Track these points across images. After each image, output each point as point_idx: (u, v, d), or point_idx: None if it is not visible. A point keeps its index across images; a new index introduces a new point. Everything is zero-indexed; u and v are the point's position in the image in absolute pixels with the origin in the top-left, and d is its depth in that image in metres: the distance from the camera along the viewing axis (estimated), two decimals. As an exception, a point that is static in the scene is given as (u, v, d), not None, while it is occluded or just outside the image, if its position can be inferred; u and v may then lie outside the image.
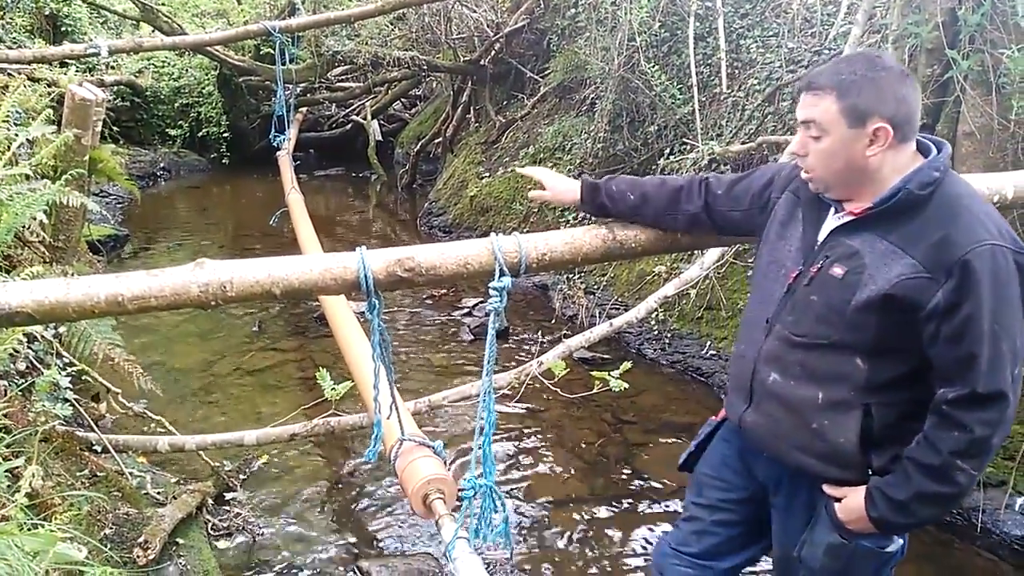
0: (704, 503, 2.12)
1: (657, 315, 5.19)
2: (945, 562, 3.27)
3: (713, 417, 2.18)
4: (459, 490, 2.24)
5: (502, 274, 2.15)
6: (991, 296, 1.56)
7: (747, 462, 2.03)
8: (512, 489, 3.76)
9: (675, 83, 6.01)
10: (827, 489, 1.81)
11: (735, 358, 2.00)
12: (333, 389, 3.44)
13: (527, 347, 5.46)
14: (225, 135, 12.00)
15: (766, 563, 3.19)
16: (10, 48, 8.37)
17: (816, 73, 1.73)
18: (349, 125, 12.96)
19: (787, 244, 1.85)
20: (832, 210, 1.79)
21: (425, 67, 9.32)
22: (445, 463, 2.40)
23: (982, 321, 1.56)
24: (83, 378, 3.47)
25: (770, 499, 2.00)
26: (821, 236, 1.79)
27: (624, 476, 3.91)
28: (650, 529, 3.48)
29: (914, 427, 1.68)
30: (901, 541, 1.82)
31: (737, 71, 5.73)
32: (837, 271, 1.70)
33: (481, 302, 6.23)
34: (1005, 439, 1.68)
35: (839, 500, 1.79)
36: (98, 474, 3.01)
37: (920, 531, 3.41)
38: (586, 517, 3.59)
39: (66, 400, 2.99)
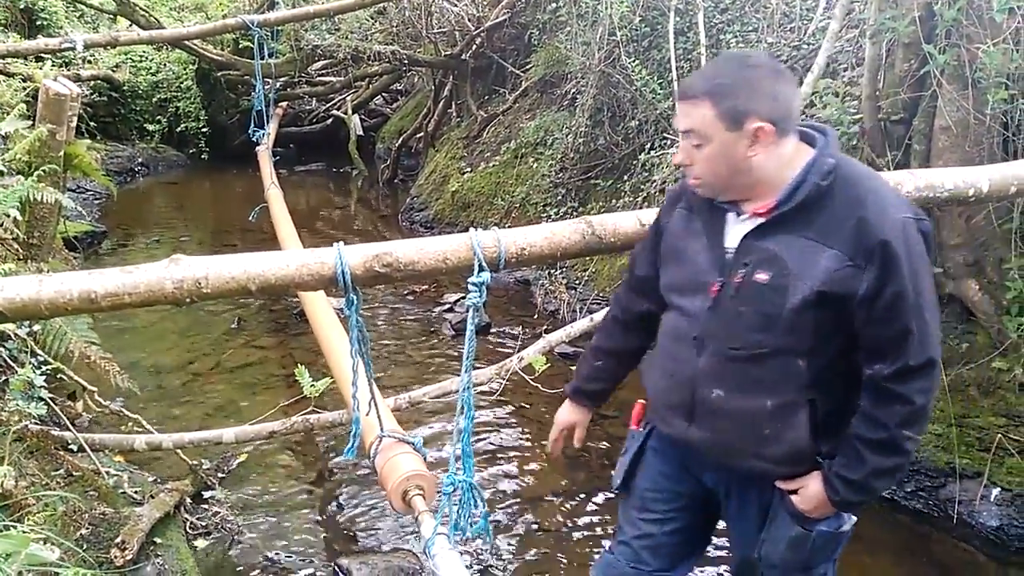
0: (653, 518, 2.07)
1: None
2: (922, 554, 3.31)
3: (634, 427, 2.13)
4: (439, 486, 2.24)
5: (481, 269, 2.14)
6: (910, 270, 1.60)
7: (691, 471, 1.99)
8: (492, 485, 3.76)
9: (656, 78, 6.01)
10: (781, 485, 1.81)
11: (662, 376, 1.92)
12: (312, 386, 3.43)
13: (508, 342, 5.45)
14: (204, 130, 11.89)
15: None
16: (-17, 42, 8.25)
17: (689, 81, 1.73)
18: (330, 120, 12.87)
19: (694, 257, 1.81)
20: (732, 214, 1.76)
21: (406, 61, 9.26)
22: (425, 459, 2.39)
23: (908, 297, 1.60)
24: (59, 376, 3.43)
25: (721, 504, 1.98)
26: (730, 242, 1.75)
27: (605, 470, 3.92)
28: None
29: (851, 406, 1.72)
30: (854, 518, 1.85)
31: (717, 66, 5.73)
32: (762, 277, 1.67)
33: (463, 298, 6.17)
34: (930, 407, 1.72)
35: (795, 492, 1.79)
36: (74, 474, 2.98)
37: (896, 524, 3.46)
38: (567, 512, 3.59)
39: (41, 399, 2.95)
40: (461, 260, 2.21)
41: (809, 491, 1.76)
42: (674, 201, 1.92)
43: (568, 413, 2.21)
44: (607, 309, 2.13)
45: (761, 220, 1.70)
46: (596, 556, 3.28)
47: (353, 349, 2.29)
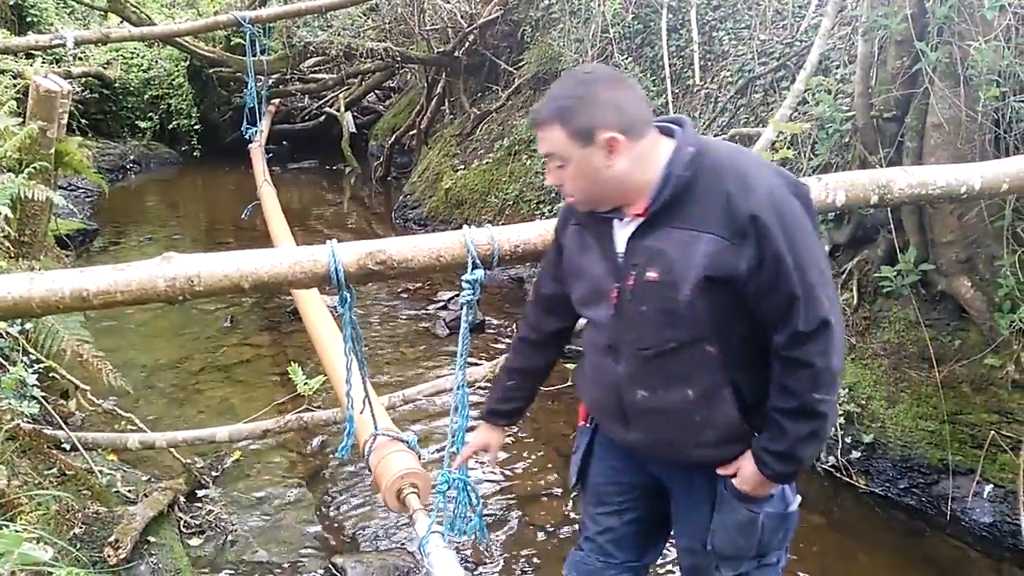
0: (610, 511, 2.10)
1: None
2: (915, 550, 3.32)
3: (583, 423, 2.14)
4: (433, 484, 2.23)
5: (475, 266, 2.15)
6: (785, 238, 1.62)
7: (638, 463, 2.01)
8: (487, 483, 3.75)
9: (648, 75, 6.02)
10: (721, 471, 1.85)
11: (592, 386, 1.95)
12: (305, 384, 3.42)
13: (503, 340, 5.45)
14: (196, 127, 11.86)
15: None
16: (-27, 39, 8.19)
17: (537, 108, 1.76)
18: (322, 117, 12.85)
19: (592, 269, 1.84)
20: (616, 220, 1.79)
21: (399, 58, 9.25)
22: (419, 457, 2.39)
23: (787, 263, 1.62)
24: (51, 375, 3.42)
25: (671, 498, 2.00)
26: (620, 247, 1.78)
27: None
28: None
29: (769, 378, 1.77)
30: (799, 498, 1.90)
31: (710, 63, 5.75)
32: (652, 275, 1.70)
33: (457, 296, 6.20)
34: (844, 360, 1.75)
35: (735, 475, 1.83)
36: (67, 473, 2.96)
37: (889, 521, 3.47)
38: (562, 510, 3.59)
39: (33, 398, 2.94)
40: (455, 258, 2.21)
41: (745, 471, 1.80)
42: (566, 218, 1.96)
43: (483, 435, 2.21)
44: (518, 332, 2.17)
45: (641, 220, 1.74)
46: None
47: (347, 347, 2.29)
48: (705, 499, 1.89)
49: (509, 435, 4.15)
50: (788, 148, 3.85)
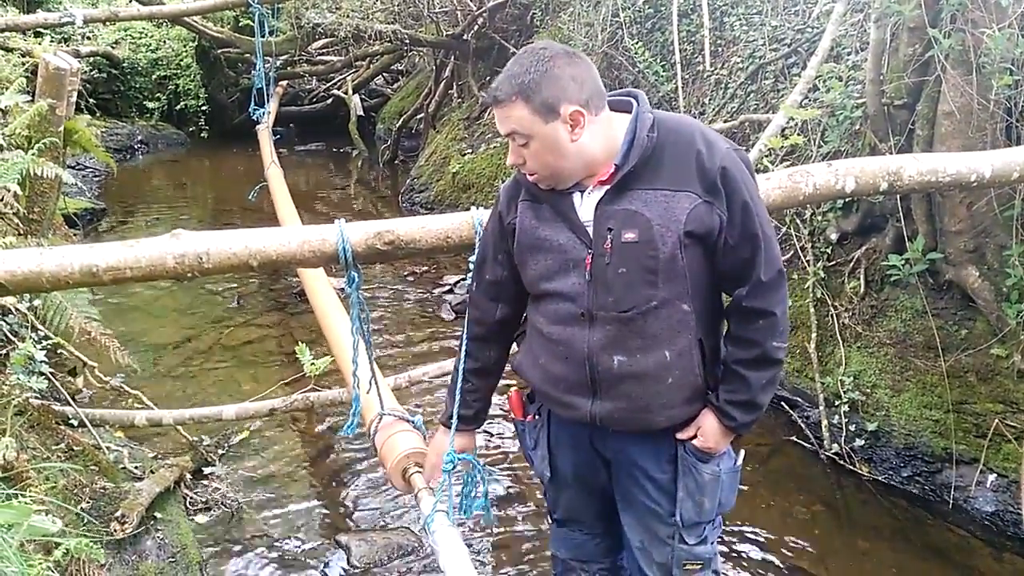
0: (577, 491, 2.11)
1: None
2: (917, 538, 3.32)
3: (528, 420, 2.10)
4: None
5: (483, 248, 2.14)
6: (748, 194, 1.74)
7: (597, 449, 1.99)
8: (491, 462, 3.77)
9: (659, 60, 5.99)
10: (680, 436, 1.89)
11: (552, 361, 1.89)
12: (312, 364, 3.43)
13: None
14: (204, 108, 11.83)
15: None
16: (-18, 16, 8.19)
17: (495, 87, 1.76)
18: (330, 100, 12.81)
19: (556, 239, 1.82)
20: (577, 194, 1.81)
21: (407, 41, 9.20)
22: (425, 437, 2.40)
23: (752, 217, 1.74)
24: (59, 352, 3.43)
25: (626, 479, 1.98)
26: (585, 216, 1.79)
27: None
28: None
29: (721, 339, 1.89)
30: (742, 452, 2.02)
31: (720, 49, 5.71)
32: (630, 236, 1.74)
33: (463, 279, 6.20)
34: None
35: (693, 437, 1.89)
36: (74, 448, 2.98)
37: (892, 508, 3.48)
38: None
39: (41, 374, 2.95)
40: (463, 239, 2.22)
41: (707, 428, 1.87)
42: (513, 196, 1.94)
43: (445, 443, 2.15)
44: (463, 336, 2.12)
45: (607, 187, 1.77)
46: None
47: (354, 327, 2.30)
48: (668, 467, 1.92)
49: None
50: (797, 135, 3.83)
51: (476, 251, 2.11)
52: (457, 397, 2.12)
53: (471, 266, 2.13)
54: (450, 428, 2.14)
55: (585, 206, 1.80)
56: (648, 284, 1.75)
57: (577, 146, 1.73)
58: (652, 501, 1.95)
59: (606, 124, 1.77)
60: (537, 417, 2.09)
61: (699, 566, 2.01)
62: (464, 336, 2.11)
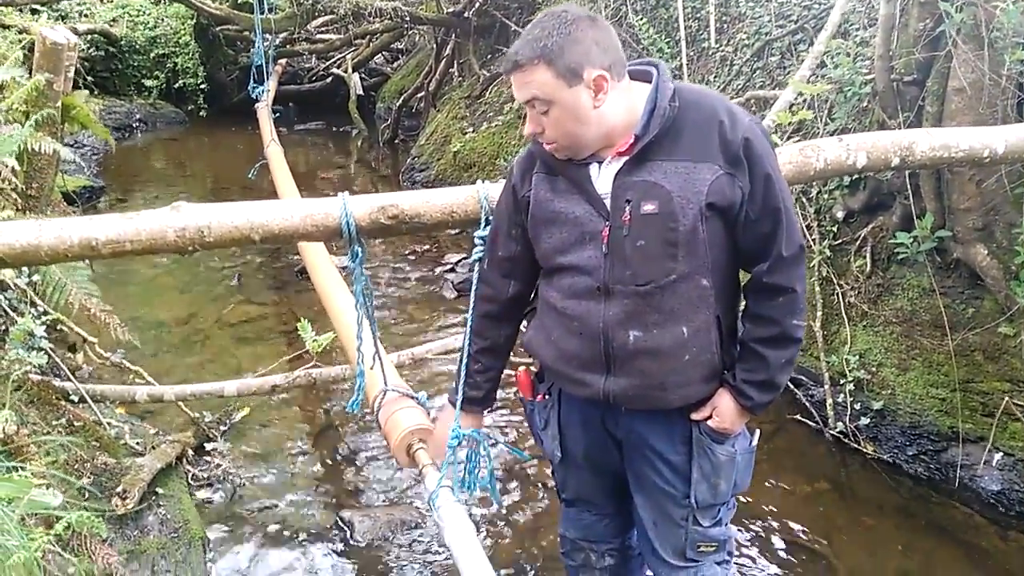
0: (588, 471, 2.10)
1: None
2: (922, 516, 3.31)
3: (538, 399, 2.07)
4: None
5: (487, 223, 2.11)
6: (770, 166, 1.71)
7: (609, 429, 1.97)
8: (495, 438, 3.74)
9: (663, 37, 5.91)
10: (695, 416, 1.86)
11: (565, 337, 1.84)
12: (315, 341, 3.40)
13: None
14: (202, 86, 11.75)
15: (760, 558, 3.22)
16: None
17: (514, 52, 1.70)
18: (329, 78, 12.69)
19: (573, 211, 1.78)
20: (594, 164, 1.77)
21: (408, 19, 9.11)
22: (428, 413, 2.37)
23: (775, 190, 1.70)
24: (59, 328, 3.41)
25: (639, 460, 1.95)
26: (602, 187, 1.75)
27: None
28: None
29: (737, 318, 1.86)
30: (757, 432, 2.00)
31: (726, 25, 5.64)
32: (650, 207, 1.69)
33: (465, 258, 6.18)
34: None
35: (709, 418, 1.85)
36: (75, 424, 2.97)
37: (898, 487, 3.47)
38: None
39: (41, 349, 2.93)
40: (468, 213, 2.17)
41: (723, 408, 1.83)
42: (527, 169, 1.89)
43: (461, 425, 2.12)
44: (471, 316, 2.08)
45: (626, 157, 1.72)
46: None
47: (357, 302, 2.27)
48: (682, 448, 1.89)
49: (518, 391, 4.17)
50: (807, 111, 3.78)
51: (488, 227, 2.06)
52: (464, 378, 2.08)
53: (477, 241, 2.09)
54: (465, 408, 2.11)
55: (603, 177, 1.76)
56: (668, 257, 1.71)
57: (599, 113, 1.69)
58: (666, 483, 1.92)
59: (627, 92, 1.72)
60: (547, 397, 2.05)
61: (713, 548, 1.98)
62: (472, 315, 2.07)
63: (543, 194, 1.83)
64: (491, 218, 2.08)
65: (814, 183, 4.04)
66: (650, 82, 1.75)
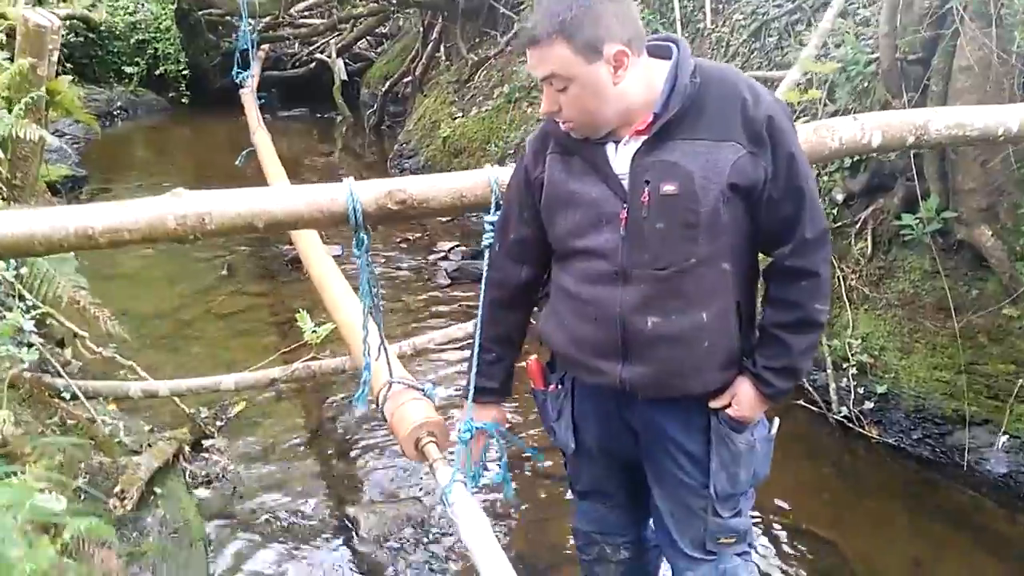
0: (603, 463, 2.05)
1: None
2: (928, 500, 3.29)
3: (551, 389, 2.01)
4: (457, 432, 2.15)
5: (499, 208, 2.04)
6: (794, 144, 1.66)
7: (625, 419, 1.91)
8: (507, 431, 3.68)
9: (658, 18, 5.85)
10: (714, 404, 1.81)
11: (579, 323, 1.78)
12: (314, 332, 3.32)
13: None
14: (184, 73, 11.58)
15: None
16: (-49, -24, 7.89)
17: (531, 27, 1.63)
18: (313, 64, 12.55)
19: (589, 193, 1.71)
20: (611, 144, 1.70)
21: (393, 2, 8.99)
22: (435, 406, 2.31)
23: (798, 170, 1.65)
24: (47, 323, 3.31)
25: (656, 451, 1.89)
26: (619, 168, 1.68)
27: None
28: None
29: (756, 303, 1.81)
30: (776, 420, 1.95)
31: (722, 6, 5.58)
32: (670, 188, 1.62)
33: (457, 245, 6.11)
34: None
35: (727, 406, 1.80)
36: (68, 422, 2.88)
37: (903, 471, 3.44)
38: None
39: (31, 345, 2.83)
40: (478, 198, 2.10)
41: (742, 395, 1.78)
42: (540, 150, 1.82)
43: (479, 418, 2.07)
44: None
45: (644, 136, 1.66)
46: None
47: (363, 292, 2.20)
48: (700, 438, 1.84)
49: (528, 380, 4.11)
50: (816, 90, 3.72)
51: (499, 211, 2.00)
52: (476, 368, 2.01)
53: (487, 226, 2.02)
54: (481, 400, 2.05)
55: (620, 157, 1.69)
56: (688, 240, 1.64)
57: (619, 90, 1.62)
58: (684, 473, 1.87)
59: (646, 69, 1.65)
60: (560, 386, 1.99)
61: (733, 539, 1.93)
62: (483, 302, 2.00)
63: (557, 175, 1.77)
64: (501, 203, 2.02)
65: (814, 165, 4.00)
66: (669, 58, 1.68)
